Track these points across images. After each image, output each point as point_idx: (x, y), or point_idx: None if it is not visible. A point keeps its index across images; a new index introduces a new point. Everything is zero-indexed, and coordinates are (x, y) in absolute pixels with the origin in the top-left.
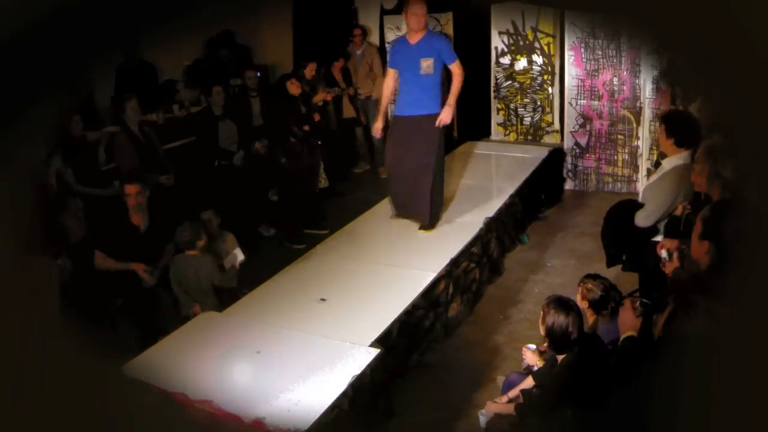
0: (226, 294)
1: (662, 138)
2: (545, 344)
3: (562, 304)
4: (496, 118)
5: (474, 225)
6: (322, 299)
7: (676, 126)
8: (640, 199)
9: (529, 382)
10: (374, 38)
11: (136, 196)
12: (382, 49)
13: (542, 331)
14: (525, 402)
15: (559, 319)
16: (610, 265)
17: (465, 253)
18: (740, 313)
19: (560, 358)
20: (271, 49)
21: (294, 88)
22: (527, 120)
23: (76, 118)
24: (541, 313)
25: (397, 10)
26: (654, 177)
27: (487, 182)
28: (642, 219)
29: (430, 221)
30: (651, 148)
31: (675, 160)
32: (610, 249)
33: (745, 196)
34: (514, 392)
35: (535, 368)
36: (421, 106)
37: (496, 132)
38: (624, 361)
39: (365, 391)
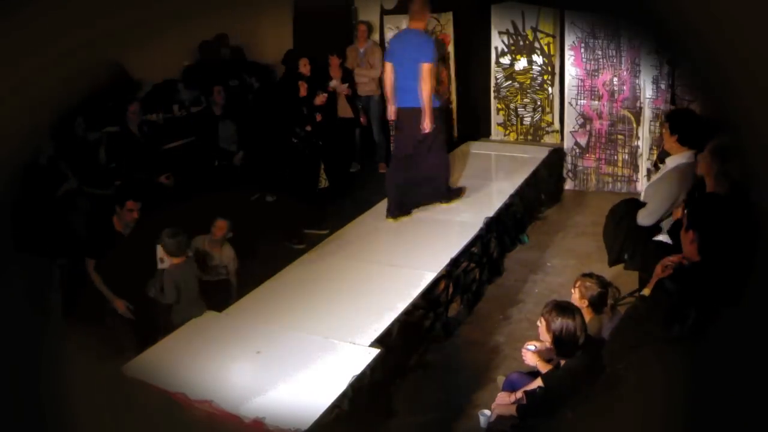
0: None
1: (666, 136)
2: (547, 342)
3: (565, 308)
4: (496, 118)
5: (474, 225)
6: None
7: (680, 124)
8: (642, 197)
9: (535, 384)
10: (374, 38)
11: (135, 213)
12: (381, 49)
13: (548, 339)
14: (528, 403)
15: (567, 323)
16: (612, 264)
17: (465, 253)
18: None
19: (563, 361)
20: (271, 49)
21: (304, 89)
22: (527, 120)
23: (79, 119)
24: (543, 321)
25: (397, 10)
26: (656, 176)
27: (487, 182)
28: (644, 218)
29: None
30: (651, 148)
31: (678, 158)
32: (612, 248)
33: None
34: (519, 393)
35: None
36: None
37: (496, 132)
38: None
39: (365, 391)
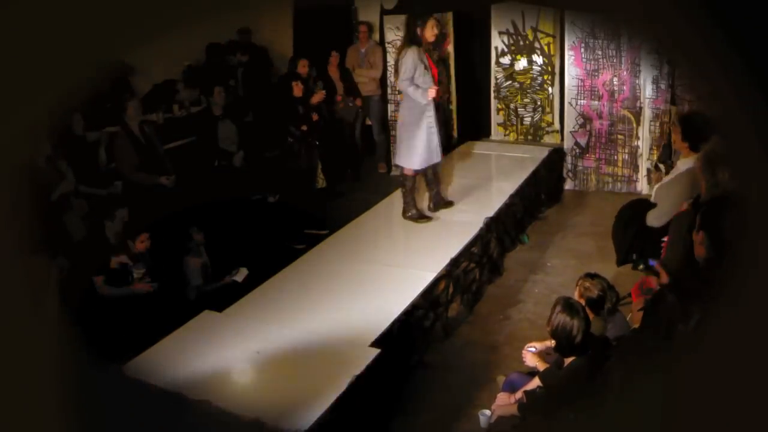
0: None
1: (678, 137)
2: (547, 343)
3: (569, 306)
4: (496, 118)
5: (474, 225)
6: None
7: (691, 129)
8: (653, 198)
9: (534, 383)
10: (374, 38)
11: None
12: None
13: (549, 331)
14: (529, 402)
15: (564, 320)
16: (620, 263)
17: (465, 253)
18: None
19: (567, 360)
20: (271, 50)
21: (298, 89)
22: (527, 120)
23: (77, 116)
24: (550, 312)
25: (398, 10)
26: (667, 178)
27: (487, 182)
28: (654, 219)
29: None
30: (651, 148)
31: (689, 161)
32: (621, 248)
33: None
34: (519, 394)
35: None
36: None
37: (496, 132)
38: (624, 350)
39: (365, 391)
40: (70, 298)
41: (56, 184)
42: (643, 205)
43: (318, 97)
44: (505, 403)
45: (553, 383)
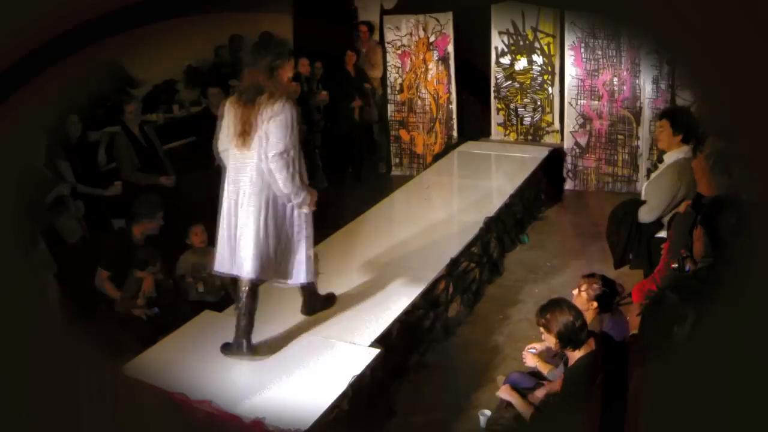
0: None
1: (663, 134)
2: (548, 343)
3: (555, 304)
4: (496, 118)
5: (474, 225)
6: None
7: (680, 121)
8: (643, 195)
9: (548, 388)
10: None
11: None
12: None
13: (553, 342)
14: (545, 410)
15: (564, 318)
16: (618, 265)
17: (465, 253)
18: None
19: (574, 358)
20: None
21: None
22: (527, 120)
23: (73, 117)
24: (541, 329)
25: (397, 10)
26: (655, 173)
27: (487, 182)
28: (645, 215)
29: None
30: (651, 148)
31: (675, 154)
32: (617, 249)
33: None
34: (541, 393)
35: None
36: None
37: (496, 132)
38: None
39: (365, 391)
40: (68, 298)
41: (56, 185)
42: (634, 204)
43: (321, 97)
44: (508, 393)
45: (568, 382)
